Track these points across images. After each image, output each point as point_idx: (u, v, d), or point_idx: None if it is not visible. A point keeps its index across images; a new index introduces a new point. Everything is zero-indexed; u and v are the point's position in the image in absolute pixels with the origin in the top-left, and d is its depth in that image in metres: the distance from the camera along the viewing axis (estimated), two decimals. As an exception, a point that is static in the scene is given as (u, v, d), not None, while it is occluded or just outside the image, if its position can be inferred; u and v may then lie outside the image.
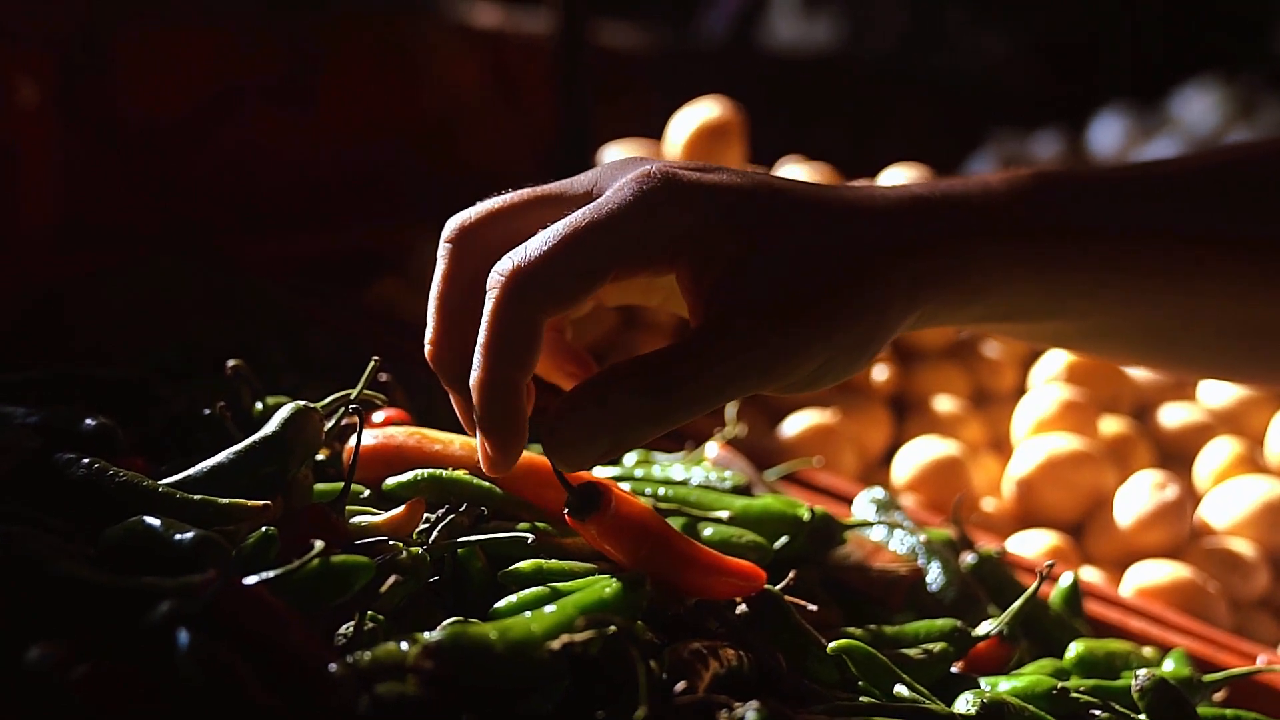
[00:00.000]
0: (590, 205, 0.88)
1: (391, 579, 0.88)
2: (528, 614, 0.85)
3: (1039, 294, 1.02)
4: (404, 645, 0.79)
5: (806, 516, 1.16)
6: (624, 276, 0.89)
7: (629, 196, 0.88)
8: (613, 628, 0.82)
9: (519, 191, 0.94)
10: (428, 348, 0.94)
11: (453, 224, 0.94)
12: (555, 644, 0.80)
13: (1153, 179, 1.07)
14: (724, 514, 1.14)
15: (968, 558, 1.29)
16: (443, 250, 0.93)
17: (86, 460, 0.95)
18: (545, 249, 0.86)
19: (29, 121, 1.93)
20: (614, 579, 0.91)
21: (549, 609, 0.86)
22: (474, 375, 0.88)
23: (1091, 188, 1.04)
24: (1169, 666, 1.22)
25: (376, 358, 1.04)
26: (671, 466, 1.24)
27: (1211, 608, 1.42)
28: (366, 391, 1.05)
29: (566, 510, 0.95)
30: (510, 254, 0.86)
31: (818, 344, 0.90)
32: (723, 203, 0.90)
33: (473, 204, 0.96)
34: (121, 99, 2.08)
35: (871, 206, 0.95)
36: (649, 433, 0.87)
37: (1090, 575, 1.50)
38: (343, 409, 1.02)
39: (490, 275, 0.87)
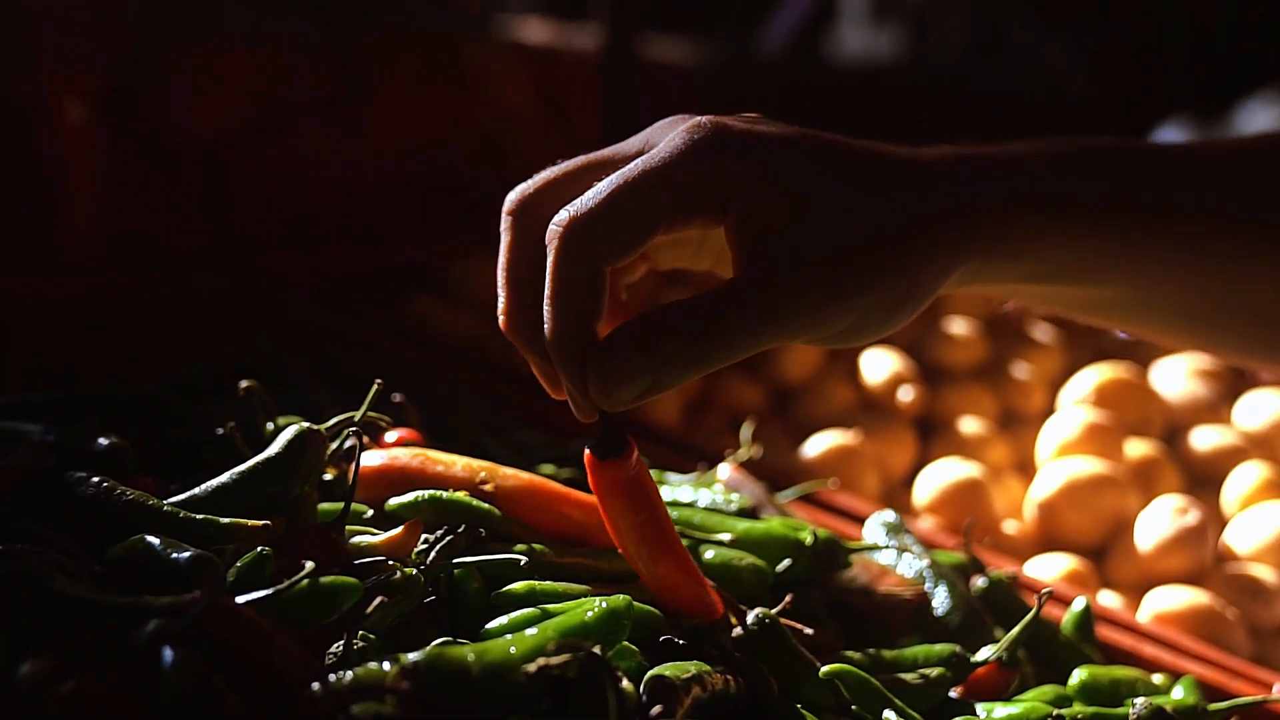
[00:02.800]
0: (642, 157, 0.91)
1: (377, 600, 0.90)
2: (508, 636, 0.87)
3: (1079, 262, 1.04)
4: (386, 665, 0.81)
5: (809, 540, 1.17)
6: (676, 226, 0.91)
7: (679, 146, 0.90)
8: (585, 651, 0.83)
9: (573, 159, 0.97)
10: (501, 318, 0.96)
11: (512, 197, 0.96)
12: (531, 667, 0.82)
13: (1199, 160, 1.10)
14: (726, 536, 1.15)
15: (979, 581, 1.29)
16: (505, 224, 0.96)
17: (96, 479, 0.98)
18: (599, 199, 0.88)
19: (76, 139, 1.97)
20: (599, 602, 0.92)
21: (530, 631, 0.87)
22: (546, 328, 0.90)
23: (1140, 165, 1.06)
24: (1178, 694, 1.22)
25: (379, 381, 1.07)
26: (680, 488, 1.26)
27: (1229, 635, 1.41)
28: (370, 414, 1.07)
29: (589, 448, 0.95)
30: (566, 207, 0.89)
31: (857, 297, 0.92)
32: (772, 153, 0.92)
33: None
34: (169, 116, 2.12)
35: (920, 166, 0.97)
36: (687, 374, 0.89)
37: (1109, 600, 1.50)
38: (347, 431, 1.05)
39: (549, 229, 0.89)
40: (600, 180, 0.91)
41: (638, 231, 0.89)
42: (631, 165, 0.90)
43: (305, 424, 1.04)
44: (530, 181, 0.96)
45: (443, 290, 2.10)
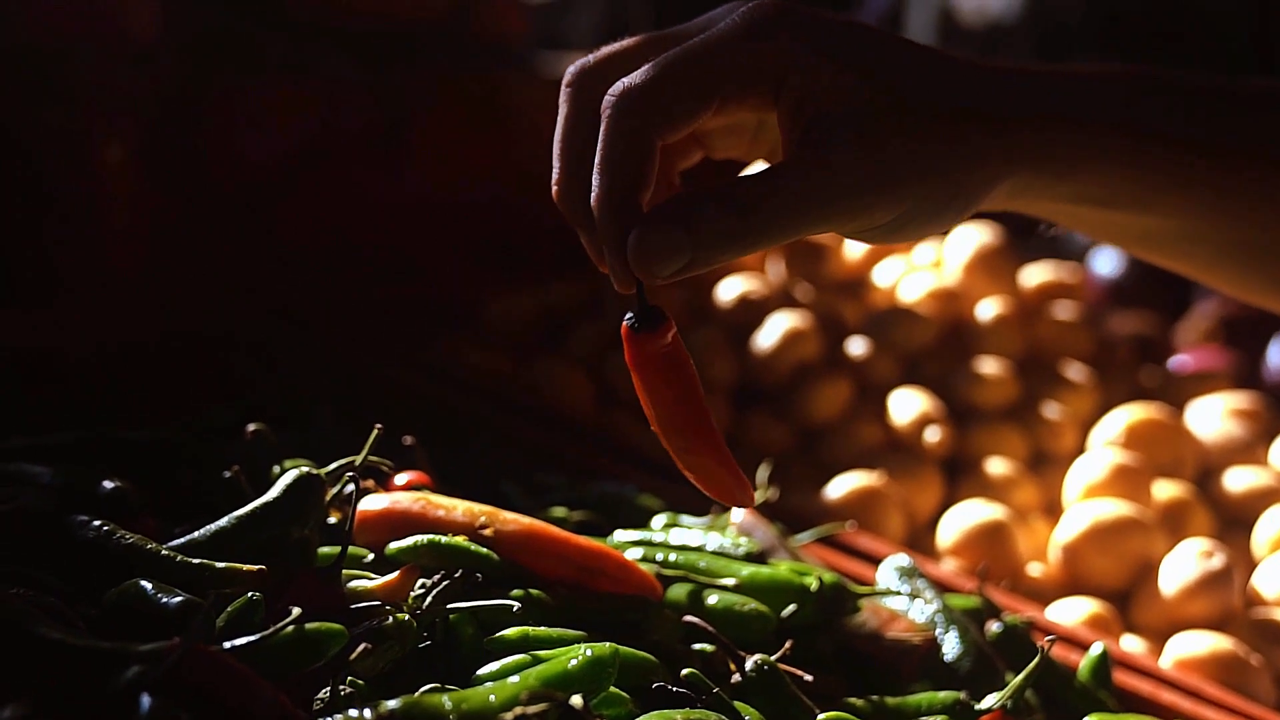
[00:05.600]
0: (699, 37, 0.91)
1: (362, 647, 0.90)
2: (489, 684, 0.87)
3: (1129, 186, 1.04)
4: (366, 713, 0.81)
5: (814, 586, 1.17)
6: (730, 104, 0.92)
7: (739, 22, 0.91)
8: (571, 700, 0.84)
9: (636, 36, 0.98)
10: (554, 188, 0.96)
11: (572, 69, 0.97)
12: (508, 716, 0.82)
13: (1263, 98, 1.10)
14: (730, 581, 1.15)
15: (993, 626, 1.28)
16: (564, 95, 0.96)
17: (96, 522, 1.00)
18: (654, 70, 0.89)
19: (116, 178, 2.00)
20: (583, 649, 0.92)
21: (512, 679, 0.88)
22: (593, 195, 0.91)
23: (1202, 96, 1.07)
24: (1193, 742, 1.21)
25: (379, 426, 1.08)
26: (690, 531, 1.26)
27: (1253, 681, 1.39)
28: (372, 458, 1.08)
29: (627, 320, 0.94)
30: (622, 79, 0.90)
31: (903, 188, 0.92)
32: (832, 36, 0.92)
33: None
34: (210, 155, 2.14)
35: (984, 70, 0.98)
36: (728, 252, 0.90)
37: (1133, 645, 1.48)
38: (347, 475, 1.06)
39: (604, 100, 0.90)
40: (664, 51, 0.91)
41: (691, 104, 0.90)
42: (690, 41, 0.91)
43: (305, 468, 1.05)
44: (591, 55, 0.97)
45: (479, 327, 2.12)
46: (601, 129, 0.90)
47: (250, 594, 0.92)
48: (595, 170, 0.90)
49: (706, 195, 0.89)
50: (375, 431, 1.07)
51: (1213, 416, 1.92)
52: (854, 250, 2.21)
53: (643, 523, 1.32)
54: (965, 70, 0.97)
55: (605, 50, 0.97)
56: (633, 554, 1.18)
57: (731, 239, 0.89)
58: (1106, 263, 2.91)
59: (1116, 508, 1.59)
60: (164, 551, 0.98)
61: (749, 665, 1.05)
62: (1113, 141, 1.01)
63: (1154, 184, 1.04)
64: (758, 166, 1.07)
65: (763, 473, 1.44)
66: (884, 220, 0.94)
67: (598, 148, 0.90)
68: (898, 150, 0.91)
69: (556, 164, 0.95)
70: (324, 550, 1.06)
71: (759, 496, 1.40)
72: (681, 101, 0.90)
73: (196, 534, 1.02)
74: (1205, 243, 1.15)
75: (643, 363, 0.94)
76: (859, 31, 0.94)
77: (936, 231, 0.99)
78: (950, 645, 1.23)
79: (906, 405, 1.84)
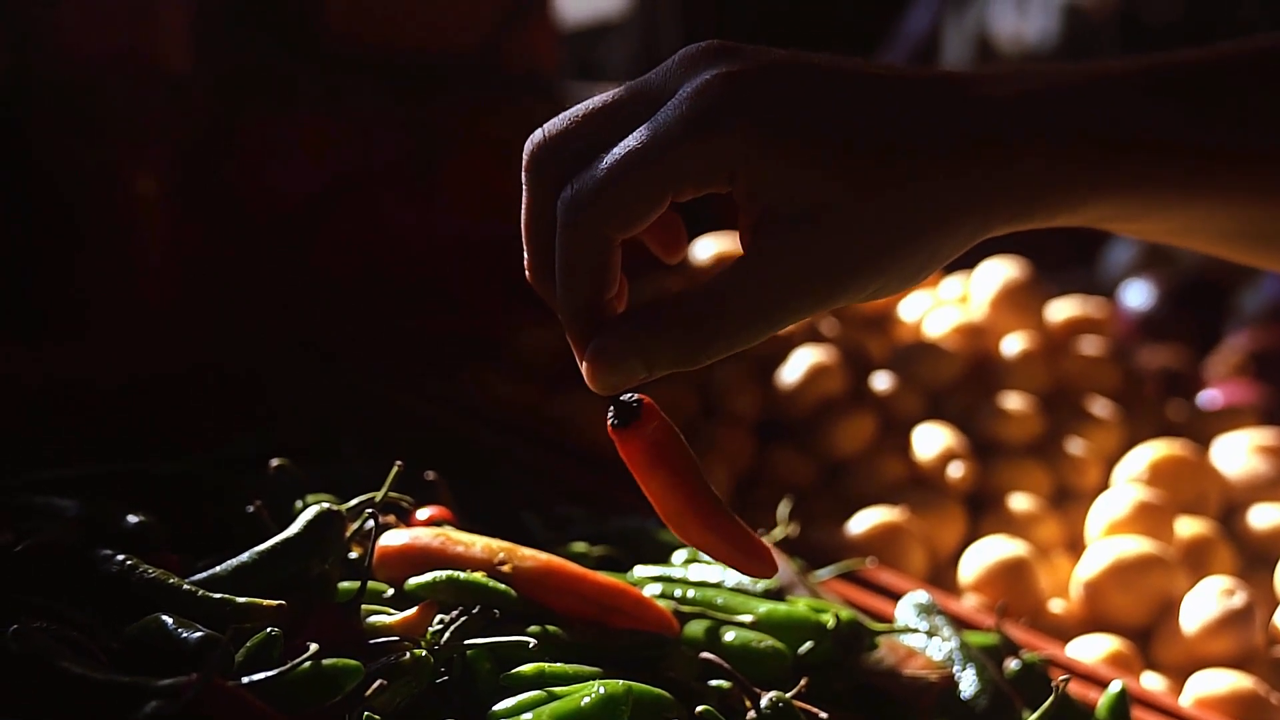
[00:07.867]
0: (647, 124, 0.87)
1: (377, 683, 0.91)
2: (502, 721, 0.88)
3: (1119, 209, 1.00)
4: (380, 750, 0.83)
5: (831, 623, 1.17)
6: (684, 196, 0.90)
7: (685, 116, 0.87)
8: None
9: (587, 102, 0.93)
10: (527, 274, 0.95)
11: (528, 148, 0.93)
12: (519, 754, 0.83)
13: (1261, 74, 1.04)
14: (746, 618, 1.16)
15: (1011, 664, 1.28)
16: (524, 180, 0.93)
17: (120, 556, 1.01)
18: (600, 178, 0.87)
19: (147, 211, 2.02)
20: (596, 687, 0.93)
21: (526, 717, 0.89)
22: (557, 302, 0.90)
23: (1207, 87, 1.01)
24: (1212, 783, 1.20)
25: (400, 463, 1.09)
26: (710, 567, 1.26)
27: (1273, 721, 1.39)
28: (392, 494, 1.10)
29: (609, 419, 0.93)
30: (572, 181, 0.88)
31: (859, 280, 0.90)
32: (793, 115, 0.88)
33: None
34: (240, 188, 2.16)
35: (963, 112, 0.92)
36: (684, 366, 0.89)
37: (1154, 683, 1.48)
38: (367, 511, 1.07)
39: (557, 205, 0.88)
40: (618, 127, 0.88)
41: (639, 210, 0.88)
42: (634, 137, 0.87)
43: (325, 504, 1.06)
44: (542, 132, 0.92)
45: (505, 359, 2.13)
46: (558, 234, 0.88)
47: (269, 629, 0.93)
48: (557, 278, 0.89)
49: (658, 314, 0.88)
50: (396, 468, 1.08)
51: (1238, 452, 1.91)
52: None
53: (663, 558, 1.32)
54: (950, 116, 0.91)
55: (555, 126, 0.92)
56: (651, 590, 1.19)
57: (687, 358, 0.88)
58: (1137, 296, 2.91)
59: (1138, 545, 1.59)
60: (185, 586, 0.99)
61: (764, 702, 1.06)
62: (1114, 174, 0.96)
63: (1160, 199, 0.99)
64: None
65: (783, 509, 1.45)
66: (850, 302, 0.92)
67: (556, 253, 0.89)
68: (854, 245, 0.88)
69: (526, 250, 0.94)
70: (344, 585, 1.07)
71: (779, 532, 1.40)
72: (629, 210, 0.87)
73: (218, 568, 1.04)
74: (1201, 233, 1.10)
75: (629, 456, 0.93)
76: (823, 95, 0.89)
77: (908, 290, 0.97)
78: (967, 682, 1.23)
79: (930, 440, 1.85)
